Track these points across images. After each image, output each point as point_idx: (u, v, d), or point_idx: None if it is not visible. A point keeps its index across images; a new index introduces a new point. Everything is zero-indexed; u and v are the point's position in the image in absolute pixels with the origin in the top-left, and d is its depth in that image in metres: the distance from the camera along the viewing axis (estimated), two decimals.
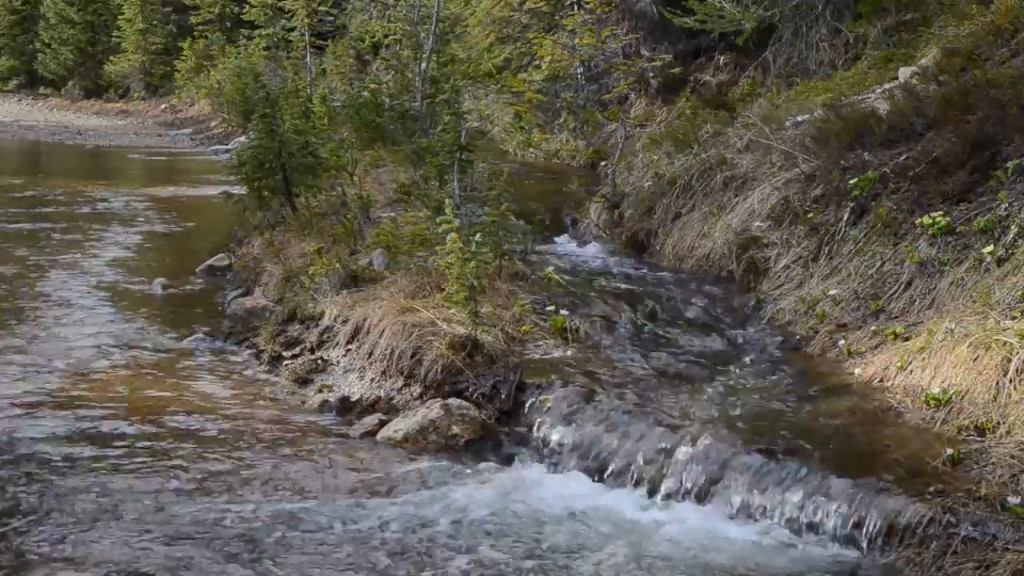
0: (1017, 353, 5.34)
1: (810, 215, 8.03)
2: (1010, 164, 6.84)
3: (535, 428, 6.02)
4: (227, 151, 21.67)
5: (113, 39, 41.61)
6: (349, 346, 7.29)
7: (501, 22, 18.17)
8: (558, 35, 16.22)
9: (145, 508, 5.09)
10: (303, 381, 7.11)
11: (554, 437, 5.89)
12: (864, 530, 4.70)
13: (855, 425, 5.54)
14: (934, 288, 6.64)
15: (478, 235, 6.90)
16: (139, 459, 5.72)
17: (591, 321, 7.32)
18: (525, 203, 10.39)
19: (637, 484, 5.44)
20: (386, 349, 6.83)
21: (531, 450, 5.95)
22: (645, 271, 9.10)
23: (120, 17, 41.07)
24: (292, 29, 24.66)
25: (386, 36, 18.03)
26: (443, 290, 6.89)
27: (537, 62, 16.64)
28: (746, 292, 8.08)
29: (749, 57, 13.88)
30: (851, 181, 7.76)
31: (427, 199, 9.23)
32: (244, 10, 28.92)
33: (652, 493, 5.37)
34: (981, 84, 7.65)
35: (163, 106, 38.22)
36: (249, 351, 7.89)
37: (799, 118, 9.68)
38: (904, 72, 9.56)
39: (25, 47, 45.38)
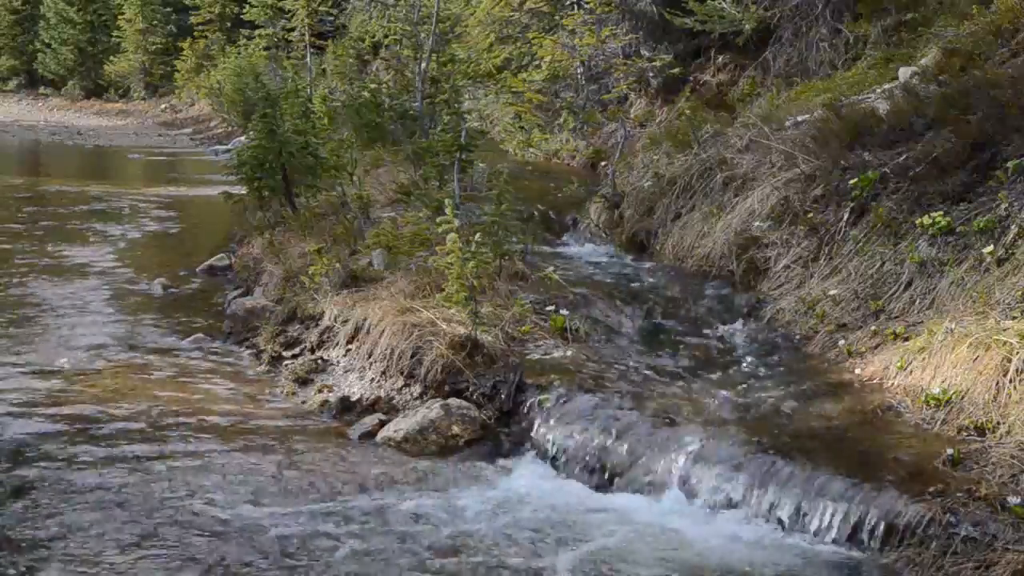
0: (1017, 353, 5.34)
1: (810, 215, 8.03)
2: (1010, 164, 6.84)
3: (535, 428, 6.02)
4: (227, 151, 21.67)
5: (113, 39, 41.59)
6: (349, 346, 7.29)
7: (501, 22, 18.16)
8: (558, 35, 16.20)
9: (144, 508, 5.09)
10: (303, 381, 7.11)
11: (554, 437, 5.89)
12: (864, 530, 4.70)
13: (855, 425, 5.54)
14: (934, 288, 6.64)
15: (478, 235, 6.90)
16: (139, 459, 5.72)
17: (591, 321, 7.32)
18: (525, 203, 10.39)
19: (637, 484, 5.44)
20: (386, 349, 6.84)
21: (531, 450, 5.95)
22: (645, 271, 9.10)
23: (120, 17, 41.03)
24: (292, 29, 24.66)
25: (386, 36, 18.03)
26: (443, 290, 6.89)
27: (537, 62, 16.62)
28: (746, 292, 8.08)
29: (749, 57, 13.87)
30: (851, 181, 7.76)
31: (427, 199, 9.24)
32: (244, 10, 28.89)
33: (651, 493, 5.37)
34: (981, 84, 7.65)
35: (163, 106, 38.20)
36: (249, 351, 7.89)
37: (799, 118, 9.67)
38: (904, 72, 9.55)
39: (25, 47, 45.33)
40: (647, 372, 6.58)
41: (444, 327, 6.76)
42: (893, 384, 5.97)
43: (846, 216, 7.71)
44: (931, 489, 4.71)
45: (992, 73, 7.86)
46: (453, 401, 6.24)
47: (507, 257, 8.15)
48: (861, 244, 7.44)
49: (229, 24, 35.96)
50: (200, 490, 5.34)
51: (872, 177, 7.64)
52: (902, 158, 7.69)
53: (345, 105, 14.26)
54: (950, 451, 4.98)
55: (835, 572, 4.60)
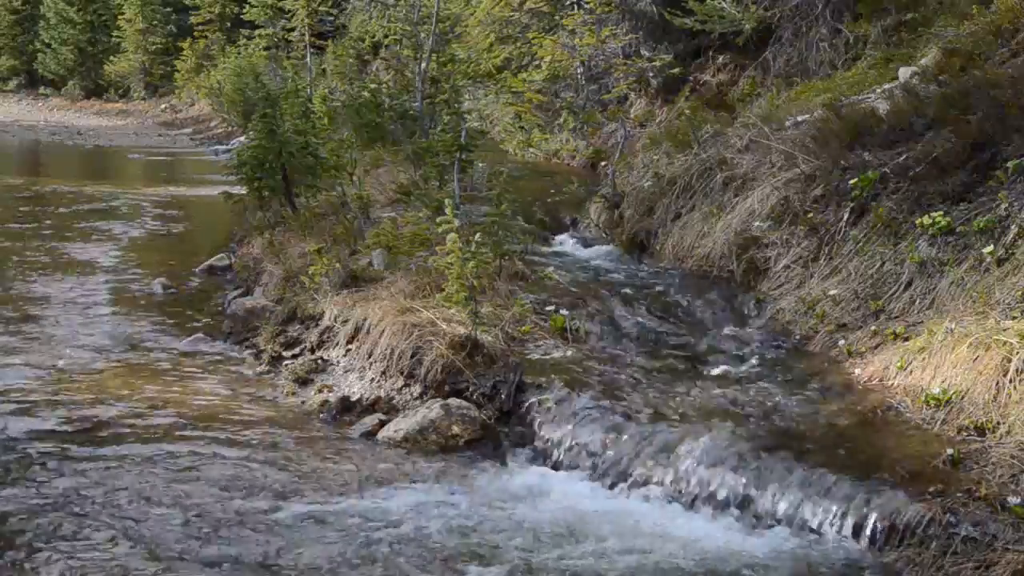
0: (1017, 353, 5.34)
1: (810, 215, 8.03)
2: (1010, 164, 6.84)
3: (535, 428, 6.02)
4: (227, 151, 21.67)
5: (113, 39, 41.63)
6: (349, 346, 7.29)
7: (501, 22, 18.16)
8: (558, 35, 16.21)
9: (144, 508, 5.09)
10: (303, 381, 7.11)
11: (554, 437, 5.89)
12: (864, 530, 4.70)
13: (855, 425, 5.54)
14: (934, 288, 6.64)
15: (478, 235, 6.90)
16: (139, 459, 5.71)
17: (591, 321, 7.32)
18: (525, 203, 10.40)
19: (636, 485, 5.44)
20: (386, 349, 6.83)
21: (531, 450, 5.95)
22: (645, 271, 9.10)
23: (120, 17, 41.07)
24: (292, 29, 24.68)
25: (386, 36, 18.04)
26: (443, 290, 6.89)
27: (537, 62, 16.64)
28: (746, 292, 8.08)
29: (749, 57, 13.87)
30: (851, 181, 7.76)
31: (427, 199, 9.24)
32: (244, 10, 28.91)
33: (651, 494, 5.37)
34: (981, 84, 7.65)
35: (163, 106, 38.23)
36: (249, 351, 7.89)
37: (799, 118, 9.67)
38: (904, 72, 9.56)
39: (25, 47, 45.35)
40: (647, 372, 6.57)
41: (444, 327, 6.76)
42: (893, 384, 5.97)
43: (846, 216, 7.71)
44: (931, 489, 4.71)
45: (992, 73, 7.85)
46: (453, 401, 6.24)
47: (507, 257, 8.15)
48: (861, 244, 7.44)
49: (229, 24, 35.98)
50: (198, 489, 5.34)
51: (872, 177, 7.64)
52: (902, 158, 7.68)
53: (345, 105, 14.27)
54: (950, 451, 4.98)
55: (835, 572, 4.60)
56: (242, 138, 17.92)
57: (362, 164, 11.79)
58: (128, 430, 6.14)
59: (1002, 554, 4.31)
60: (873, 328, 6.68)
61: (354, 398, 6.69)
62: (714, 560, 4.71)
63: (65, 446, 5.85)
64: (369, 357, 6.96)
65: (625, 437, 5.65)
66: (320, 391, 6.89)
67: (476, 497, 5.36)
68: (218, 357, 7.80)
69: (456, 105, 12.61)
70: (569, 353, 6.77)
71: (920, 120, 7.98)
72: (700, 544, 4.85)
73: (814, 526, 4.84)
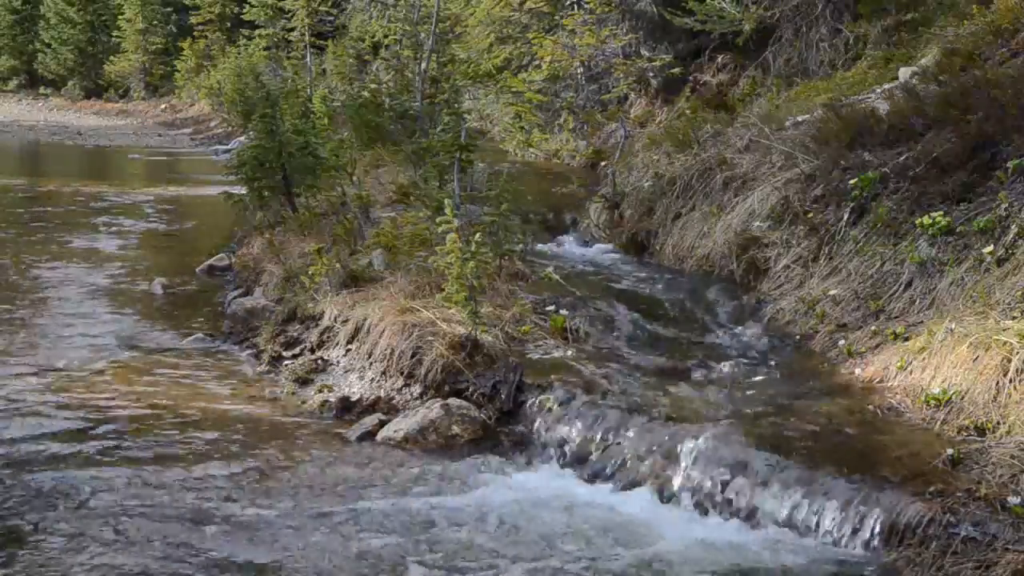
0: (1017, 353, 5.34)
1: (810, 215, 8.04)
2: (1010, 164, 6.84)
3: (535, 428, 6.03)
4: (227, 151, 21.67)
5: (113, 39, 41.62)
6: (349, 346, 7.29)
7: (501, 22, 18.16)
8: (558, 35, 16.21)
9: (144, 508, 5.09)
10: (303, 381, 7.11)
11: (554, 437, 5.89)
12: (864, 529, 4.70)
13: (855, 425, 5.54)
14: (934, 288, 6.64)
15: (478, 235, 6.90)
16: (139, 459, 5.72)
17: (591, 321, 7.32)
18: (525, 203, 10.39)
19: (637, 485, 5.44)
20: (386, 349, 6.83)
21: (531, 450, 5.95)
22: (645, 271, 9.10)
23: (120, 17, 41.06)
24: (292, 29, 24.69)
25: (386, 36, 18.04)
26: (443, 290, 6.89)
27: (537, 62, 16.63)
28: (746, 292, 8.08)
29: (749, 57, 13.86)
30: (851, 181, 7.76)
31: (427, 199, 9.24)
32: (244, 10, 28.92)
33: (653, 494, 5.37)
34: (981, 84, 7.65)
35: (163, 106, 38.21)
36: (249, 351, 7.89)
37: (799, 118, 9.68)
38: (904, 72, 9.56)
39: (25, 47, 45.33)
40: (647, 372, 6.57)
41: (444, 327, 6.76)
42: (893, 384, 5.97)
43: (846, 216, 7.71)
44: (931, 489, 4.71)
45: (992, 73, 7.85)
46: (453, 401, 6.24)
47: (507, 257, 8.15)
48: (861, 244, 7.45)
49: (229, 24, 35.95)
50: (198, 490, 5.34)
51: (872, 177, 7.64)
52: (902, 158, 7.69)
53: (345, 105, 14.27)
54: (950, 451, 4.98)
55: (835, 572, 4.60)
56: (242, 138, 17.92)
57: (362, 164, 11.80)
58: (127, 430, 6.14)
59: (1002, 554, 4.31)
60: (873, 328, 6.68)
61: (354, 398, 6.69)
62: (714, 560, 4.71)
63: (65, 446, 5.85)
64: (369, 357, 6.96)
65: (625, 437, 5.65)
66: (320, 391, 6.89)
67: (476, 497, 5.36)
68: (218, 357, 7.80)
69: (456, 105, 12.60)
70: (569, 353, 6.77)
71: (920, 120, 7.98)
72: (701, 543, 4.86)
73: (814, 526, 4.84)
